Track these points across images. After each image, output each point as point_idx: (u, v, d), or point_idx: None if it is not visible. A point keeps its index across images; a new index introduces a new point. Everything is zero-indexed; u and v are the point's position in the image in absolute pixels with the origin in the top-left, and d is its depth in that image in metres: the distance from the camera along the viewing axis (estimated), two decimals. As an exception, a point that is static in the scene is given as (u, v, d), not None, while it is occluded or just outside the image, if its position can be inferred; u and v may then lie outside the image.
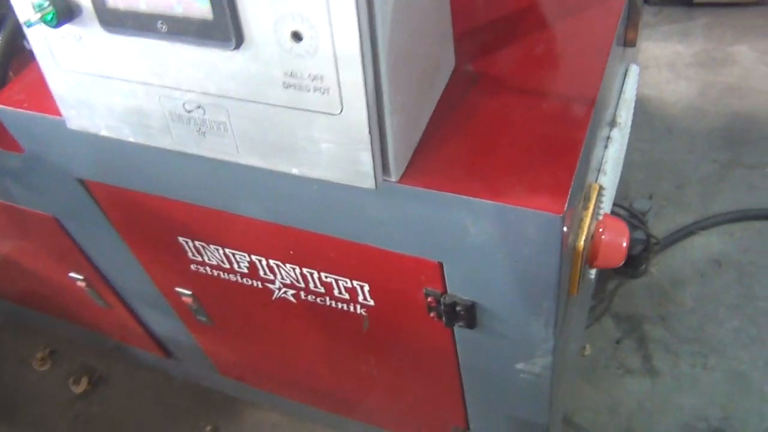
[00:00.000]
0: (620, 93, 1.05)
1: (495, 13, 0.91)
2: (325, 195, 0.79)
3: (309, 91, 0.64)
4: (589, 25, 0.85)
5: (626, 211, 1.84)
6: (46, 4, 0.67)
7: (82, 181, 1.02)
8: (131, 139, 0.80)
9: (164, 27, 0.65)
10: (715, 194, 1.99)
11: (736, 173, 2.03)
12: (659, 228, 1.91)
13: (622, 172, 1.90)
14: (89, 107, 0.79)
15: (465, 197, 0.70)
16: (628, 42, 0.93)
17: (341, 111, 0.64)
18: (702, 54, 2.36)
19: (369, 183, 0.70)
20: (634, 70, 1.08)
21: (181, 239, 1.05)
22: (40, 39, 0.74)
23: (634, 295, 1.83)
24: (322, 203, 0.81)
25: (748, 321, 1.73)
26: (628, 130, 1.09)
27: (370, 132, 0.65)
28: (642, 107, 2.19)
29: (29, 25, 0.68)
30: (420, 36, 0.69)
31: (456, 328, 0.95)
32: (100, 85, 0.75)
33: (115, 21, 0.67)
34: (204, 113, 0.72)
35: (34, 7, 0.67)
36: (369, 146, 0.66)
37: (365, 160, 0.68)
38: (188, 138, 0.76)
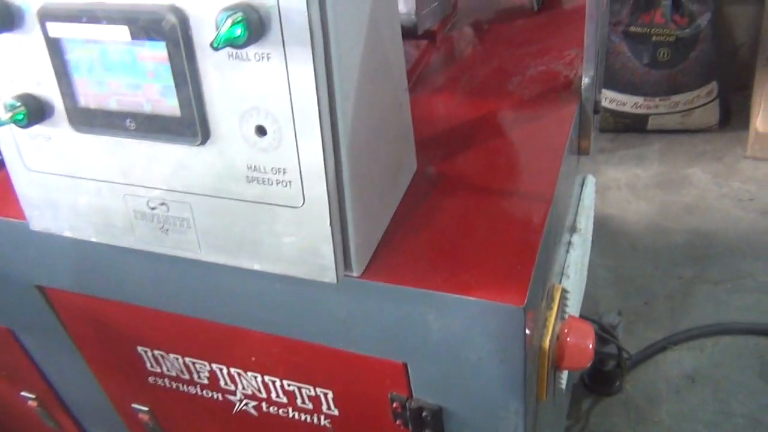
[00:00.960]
0: (579, 201, 1.09)
1: (454, 120, 0.95)
2: (286, 293, 0.78)
3: (272, 184, 0.65)
4: (544, 132, 0.90)
5: (596, 324, 1.83)
6: (18, 104, 0.69)
7: (41, 289, 1.00)
8: (94, 239, 0.80)
9: (132, 125, 0.67)
10: (683, 310, 2.01)
11: (702, 289, 2.06)
12: (630, 344, 1.90)
13: (590, 288, 1.93)
14: (53, 207, 0.79)
15: (426, 291, 0.70)
16: (582, 150, 0.98)
17: (303, 204, 0.65)
18: (659, 176, 2.47)
19: (330, 277, 0.70)
20: (590, 180, 1.12)
21: (140, 349, 1.02)
22: (9, 139, 0.75)
23: (610, 413, 1.78)
24: (283, 302, 0.80)
25: (728, 439, 1.69)
26: (589, 236, 1.12)
27: (331, 224, 0.66)
28: (606, 225, 2.26)
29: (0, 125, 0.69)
30: (381, 136, 0.73)
31: (424, 438, 0.91)
32: (66, 185, 0.76)
33: (84, 120, 0.69)
34: (167, 210, 0.73)
35: (5, 107, 0.69)
36: (330, 239, 0.67)
37: (326, 253, 0.68)
38: (151, 236, 0.76)
